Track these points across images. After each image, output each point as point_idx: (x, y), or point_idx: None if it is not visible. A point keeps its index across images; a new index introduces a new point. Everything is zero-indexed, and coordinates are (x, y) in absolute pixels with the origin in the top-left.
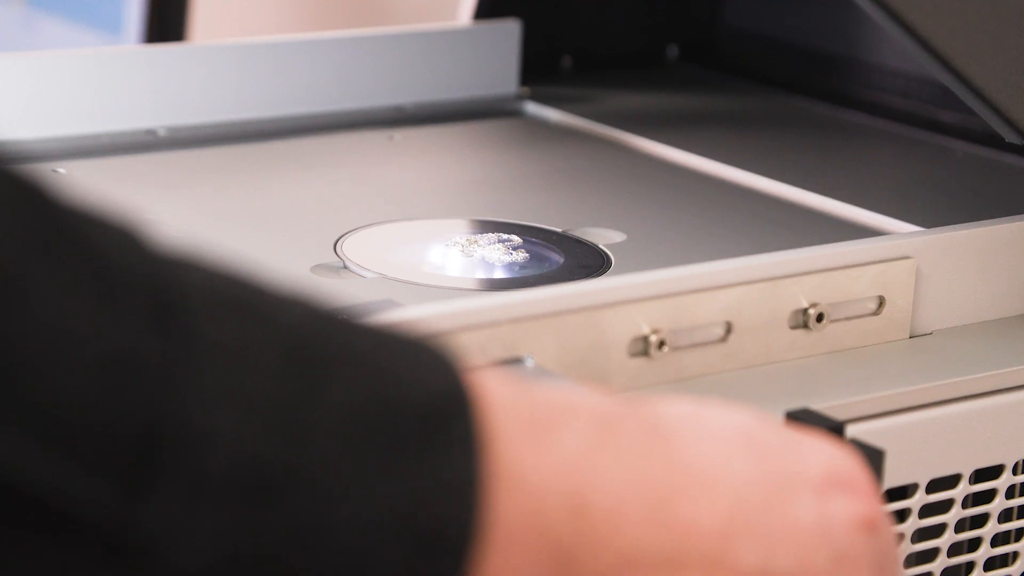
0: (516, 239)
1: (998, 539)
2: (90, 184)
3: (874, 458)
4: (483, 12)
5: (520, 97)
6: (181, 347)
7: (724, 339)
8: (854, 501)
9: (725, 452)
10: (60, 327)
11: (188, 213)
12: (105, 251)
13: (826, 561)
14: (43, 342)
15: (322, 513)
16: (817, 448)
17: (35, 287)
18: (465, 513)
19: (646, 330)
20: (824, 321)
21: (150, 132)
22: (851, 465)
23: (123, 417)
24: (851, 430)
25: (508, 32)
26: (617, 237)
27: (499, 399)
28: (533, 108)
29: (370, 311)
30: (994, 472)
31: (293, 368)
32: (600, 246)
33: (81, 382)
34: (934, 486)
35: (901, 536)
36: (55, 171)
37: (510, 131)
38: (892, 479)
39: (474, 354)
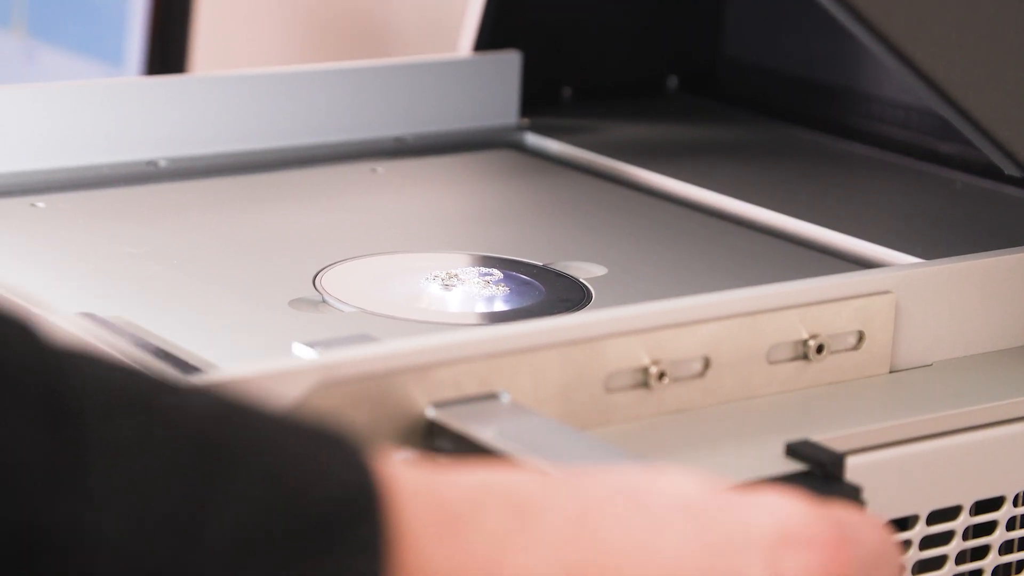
0: (497, 273)
1: (999, 571)
2: (79, 218)
3: (852, 495)
4: (483, 43)
5: (520, 128)
6: (71, 447)
7: (703, 374)
8: (811, 556)
9: (660, 524)
10: None
11: (169, 246)
12: None
13: None
14: None
15: None
16: (768, 507)
17: None
18: None
19: (624, 366)
20: (805, 356)
21: (151, 163)
22: (807, 520)
23: (9, 518)
24: (851, 462)
25: (508, 63)
26: (599, 271)
27: (408, 492)
28: (533, 139)
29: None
30: (995, 504)
31: (191, 468)
32: (581, 280)
33: None
34: (935, 518)
35: (901, 568)
36: (33, 204)
37: (505, 163)
38: (892, 511)
39: (449, 389)
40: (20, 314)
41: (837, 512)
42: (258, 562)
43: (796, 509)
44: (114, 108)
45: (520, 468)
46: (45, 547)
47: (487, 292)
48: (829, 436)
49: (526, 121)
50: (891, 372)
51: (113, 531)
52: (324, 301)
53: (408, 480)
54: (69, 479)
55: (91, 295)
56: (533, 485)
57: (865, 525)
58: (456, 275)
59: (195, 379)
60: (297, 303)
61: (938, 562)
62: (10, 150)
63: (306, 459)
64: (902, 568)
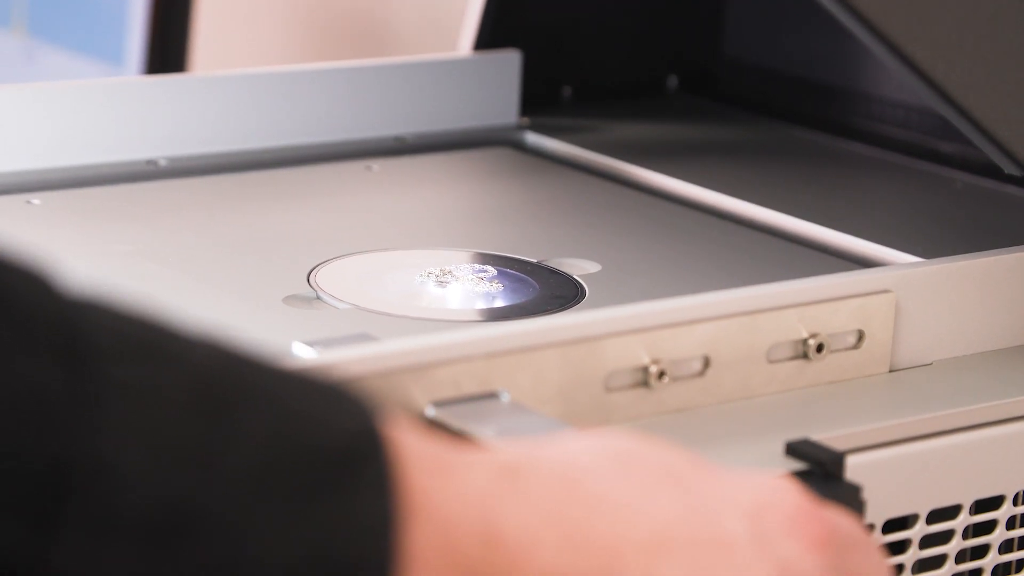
0: (491, 269)
1: (999, 570)
2: (74, 215)
3: (852, 494)
4: (483, 43)
5: (520, 127)
6: (88, 386)
7: (702, 373)
8: (797, 522)
9: (647, 487)
10: None
11: (163, 243)
12: (13, 293)
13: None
14: None
15: (233, 553)
16: (751, 481)
17: None
18: (379, 553)
19: (623, 365)
20: (805, 355)
21: (151, 163)
22: (790, 497)
23: (31, 456)
24: (851, 461)
25: (508, 62)
26: (592, 268)
27: (408, 444)
28: (533, 138)
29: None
30: (994, 503)
31: (202, 408)
32: (575, 277)
33: None
34: (934, 516)
35: (901, 567)
36: (29, 202)
37: (504, 161)
38: (892, 510)
39: (448, 388)
40: (36, 265)
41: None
42: (272, 494)
43: (781, 487)
44: (114, 108)
45: (504, 446)
46: (67, 481)
47: (481, 289)
48: (829, 435)
49: (526, 121)
50: (891, 371)
51: (131, 464)
52: (318, 298)
53: (406, 436)
54: (87, 416)
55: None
56: (521, 449)
57: (845, 518)
58: (450, 272)
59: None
60: (291, 300)
61: (938, 561)
62: (10, 150)
63: (314, 405)
64: (884, 559)
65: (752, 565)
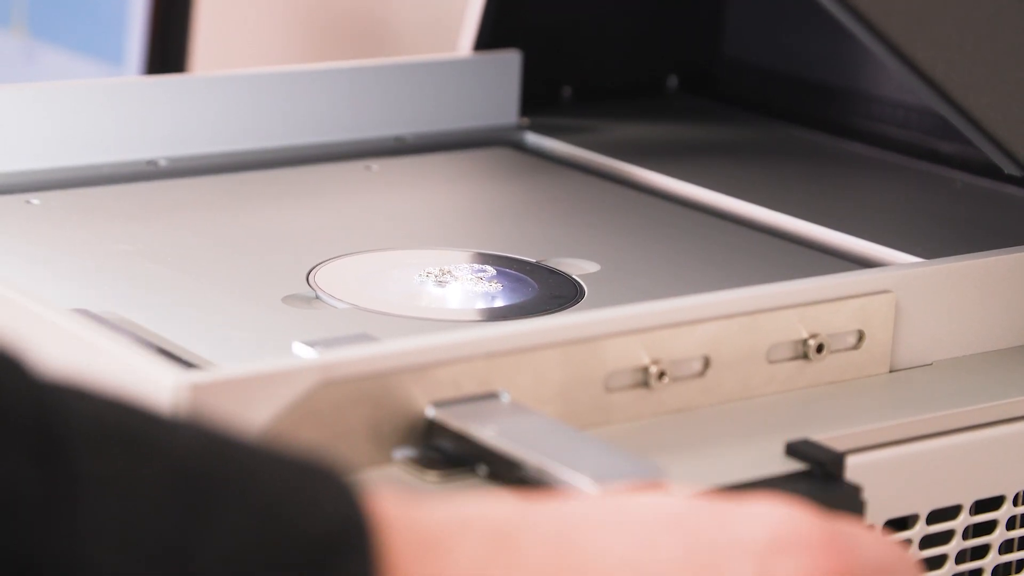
0: (490, 269)
1: (999, 570)
2: (74, 215)
3: (852, 495)
4: (484, 43)
5: (520, 127)
6: (62, 481)
7: (702, 373)
8: (804, 559)
9: (644, 537)
10: None
11: (164, 242)
12: None
13: None
14: None
15: None
16: (758, 515)
17: None
18: None
19: (623, 365)
20: (805, 355)
21: (151, 163)
22: (798, 524)
23: (1, 551)
24: (851, 461)
25: (508, 63)
26: (592, 268)
27: (392, 524)
28: (533, 138)
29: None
30: (995, 503)
31: (180, 500)
32: (574, 276)
33: None
34: (934, 517)
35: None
36: (28, 202)
37: (504, 162)
38: (892, 510)
39: (449, 388)
40: (10, 348)
41: (835, 521)
42: None
43: (787, 514)
44: (114, 108)
45: (499, 496)
46: None
47: (480, 288)
48: (829, 435)
49: (526, 121)
50: (891, 371)
51: (105, 564)
52: (317, 297)
53: (391, 511)
54: (60, 512)
55: (85, 291)
56: (511, 508)
57: (867, 535)
58: (449, 272)
59: (184, 417)
60: (290, 299)
61: (938, 561)
62: (11, 150)
63: (295, 492)
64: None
65: None
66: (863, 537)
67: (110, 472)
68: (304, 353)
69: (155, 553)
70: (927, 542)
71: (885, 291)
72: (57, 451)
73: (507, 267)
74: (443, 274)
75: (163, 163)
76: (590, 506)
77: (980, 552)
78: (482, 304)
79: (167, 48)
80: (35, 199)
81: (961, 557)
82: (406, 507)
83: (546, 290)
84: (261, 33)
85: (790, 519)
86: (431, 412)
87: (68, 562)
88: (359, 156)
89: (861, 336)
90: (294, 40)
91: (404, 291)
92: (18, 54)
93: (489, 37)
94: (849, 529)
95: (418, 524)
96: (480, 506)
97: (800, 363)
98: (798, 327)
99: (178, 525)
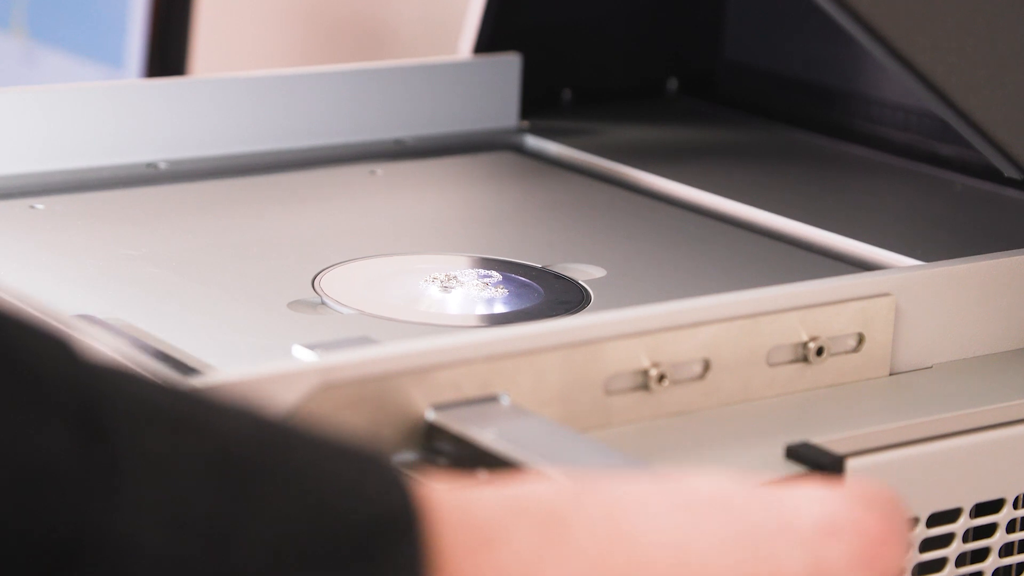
0: (496, 275)
1: (999, 574)
2: (78, 220)
3: None
4: (484, 46)
5: (520, 130)
6: (105, 458)
7: (703, 376)
8: (851, 542)
9: (693, 520)
10: None
11: (167, 247)
12: (35, 360)
13: None
14: None
15: None
16: (807, 499)
17: None
18: None
19: (624, 368)
20: (805, 358)
21: (151, 165)
22: (848, 508)
23: (44, 529)
24: (851, 464)
25: (508, 66)
26: (598, 273)
27: (444, 513)
28: (533, 141)
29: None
30: (995, 506)
31: (224, 482)
32: (580, 282)
33: (1, 494)
34: (935, 520)
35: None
36: (32, 207)
37: (505, 165)
38: None
39: (449, 391)
40: (57, 331)
41: (882, 505)
42: (295, 568)
43: (837, 498)
44: (114, 110)
45: (547, 479)
46: (82, 557)
47: (486, 294)
48: (829, 438)
49: (526, 124)
50: (891, 374)
51: (148, 541)
52: (323, 303)
53: (443, 501)
54: (104, 490)
55: (89, 297)
56: (561, 494)
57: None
58: (455, 277)
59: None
60: (296, 305)
61: (938, 565)
62: (10, 152)
63: (341, 476)
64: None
65: None
66: (901, 514)
67: (155, 452)
68: (304, 356)
69: (196, 528)
70: (927, 545)
71: (885, 294)
72: (102, 430)
73: (513, 272)
74: (449, 279)
75: (163, 166)
76: (638, 489)
77: (980, 555)
78: (488, 310)
79: (167, 51)
80: (39, 204)
81: (961, 560)
82: (455, 493)
83: (552, 296)
84: (261, 35)
85: (839, 503)
86: (431, 415)
87: (110, 539)
88: (359, 159)
89: (861, 339)
90: (294, 43)
91: (410, 296)
92: (18, 56)
93: (489, 40)
94: (898, 514)
95: (469, 512)
96: (527, 490)
97: (800, 366)
98: (798, 330)
99: (222, 506)
